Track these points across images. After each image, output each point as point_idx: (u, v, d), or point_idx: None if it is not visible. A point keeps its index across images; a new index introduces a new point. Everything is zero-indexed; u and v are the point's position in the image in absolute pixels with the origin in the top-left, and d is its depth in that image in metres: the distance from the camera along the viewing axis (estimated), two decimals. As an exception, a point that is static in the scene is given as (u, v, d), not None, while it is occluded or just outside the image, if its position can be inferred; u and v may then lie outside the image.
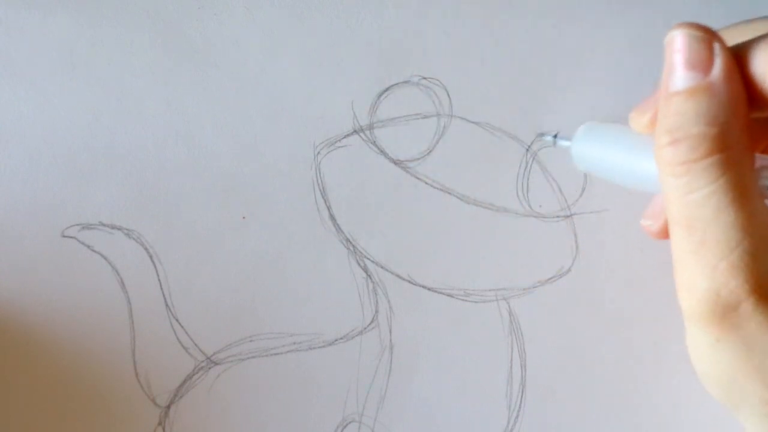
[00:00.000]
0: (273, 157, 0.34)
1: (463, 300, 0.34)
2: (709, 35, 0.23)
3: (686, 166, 0.22)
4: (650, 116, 0.27)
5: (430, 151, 0.34)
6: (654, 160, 0.25)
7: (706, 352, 0.24)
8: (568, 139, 0.32)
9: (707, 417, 0.34)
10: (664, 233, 0.29)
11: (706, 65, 0.23)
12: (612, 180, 0.30)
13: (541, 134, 0.34)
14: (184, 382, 0.33)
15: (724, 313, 0.23)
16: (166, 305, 0.33)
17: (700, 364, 0.25)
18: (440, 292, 0.34)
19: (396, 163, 0.34)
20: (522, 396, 0.34)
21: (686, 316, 0.24)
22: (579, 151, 0.31)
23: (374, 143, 0.34)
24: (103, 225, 0.33)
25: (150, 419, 0.33)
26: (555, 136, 0.34)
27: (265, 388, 0.33)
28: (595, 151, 0.30)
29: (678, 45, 0.23)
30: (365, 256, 0.34)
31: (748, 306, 0.22)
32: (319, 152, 0.34)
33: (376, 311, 0.34)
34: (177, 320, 0.33)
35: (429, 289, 0.34)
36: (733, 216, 0.22)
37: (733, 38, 0.26)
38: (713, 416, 0.34)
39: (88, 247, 0.33)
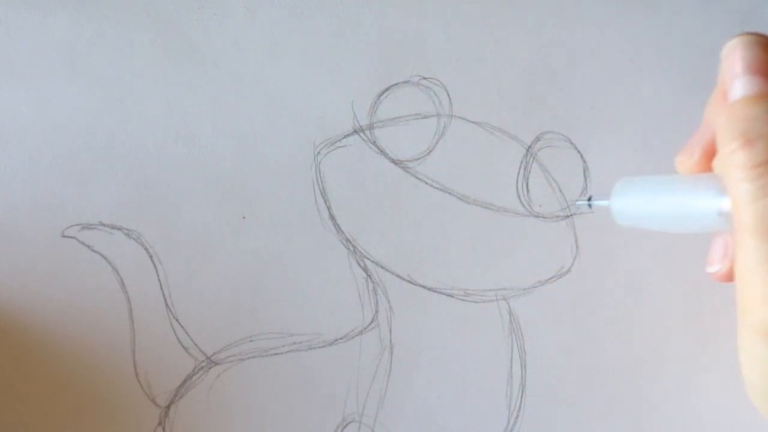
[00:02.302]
0: (273, 157, 0.34)
1: (463, 300, 0.34)
2: (766, 39, 0.23)
3: (763, 167, 0.22)
4: (699, 154, 0.27)
5: (430, 151, 0.34)
6: (697, 199, 0.25)
7: None
8: (605, 198, 0.32)
9: (707, 416, 0.34)
10: (732, 275, 0.27)
11: None
12: (659, 229, 0.30)
13: (574, 202, 0.34)
14: (184, 382, 0.33)
15: None
16: (166, 305, 0.33)
17: (760, 379, 0.24)
18: (440, 292, 0.34)
19: (396, 163, 0.34)
20: (522, 396, 0.34)
21: (754, 330, 0.23)
22: (619, 209, 0.31)
23: (374, 143, 0.34)
24: (103, 225, 0.33)
25: (150, 419, 0.33)
26: (589, 200, 0.34)
27: (265, 388, 0.33)
28: (636, 205, 0.30)
29: (739, 53, 0.23)
30: (365, 256, 0.34)
31: None
32: (319, 152, 0.34)
33: (376, 311, 0.34)
34: (177, 320, 0.33)
35: (429, 289, 0.34)
36: None
37: None
38: (713, 416, 0.34)
39: (88, 247, 0.33)
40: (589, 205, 0.34)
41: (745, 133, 0.22)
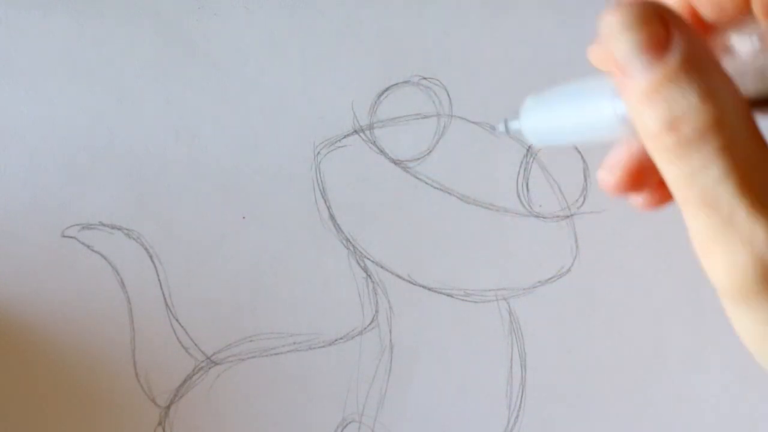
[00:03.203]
0: (273, 157, 0.34)
1: (463, 300, 0.34)
2: (659, 11, 0.21)
3: (691, 149, 0.21)
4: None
5: (430, 151, 0.34)
6: (603, 102, 0.25)
7: (764, 331, 0.23)
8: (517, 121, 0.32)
9: (707, 416, 0.34)
10: (622, 187, 0.27)
11: (665, 43, 0.21)
12: (570, 142, 0.30)
13: (493, 127, 0.34)
14: (184, 382, 0.33)
15: None
16: (166, 305, 0.33)
17: (760, 346, 0.24)
18: (440, 292, 0.34)
19: (396, 163, 0.34)
20: (522, 396, 0.34)
21: (730, 297, 0.22)
22: (530, 128, 0.31)
23: (374, 143, 0.34)
24: (103, 225, 0.33)
25: (150, 419, 0.33)
26: (506, 126, 0.33)
27: (265, 388, 0.33)
28: (543, 120, 0.30)
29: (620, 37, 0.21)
30: (365, 256, 0.34)
31: None
32: (319, 152, 0.34)
33: (376, 311, 0.34)
34: (177, 320, 0.33)
35: (429, 289, 0.34)
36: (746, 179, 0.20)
37: None
38: (713, 416, 0.34)
39: (88, 247, 0.33)
40: (506, 129, 0.33)
41: (666, 115, 0.21)
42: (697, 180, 0.21)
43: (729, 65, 0.22)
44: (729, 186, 0.21)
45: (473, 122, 0.35)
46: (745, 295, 0.21)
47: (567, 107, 0.29)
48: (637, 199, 0.28)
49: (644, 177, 0.27)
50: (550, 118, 0.30)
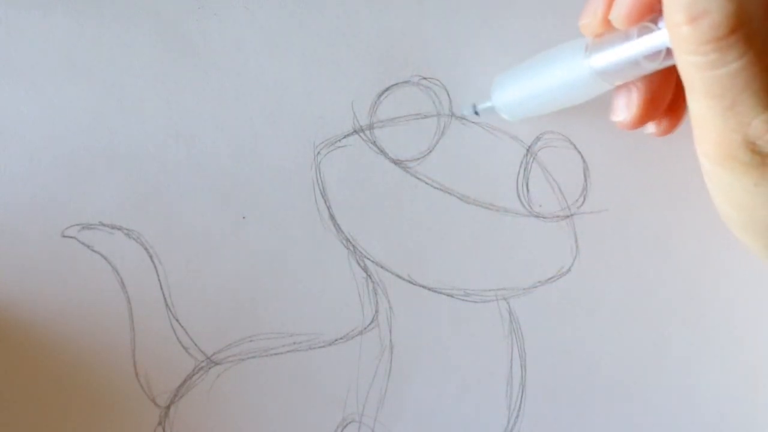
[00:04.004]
0: (273, 157, 0.34)
1: (463, 300, 0.34)
2: None
3: (711, 45, 0.22)
4: (603, 12, 0.28)
5: (430, 151, 0.34)
6: (577, 60, 0.27)
7: (742, 199, 0.26)
8: (487, 100, 0.33)
9: (707, 416, 0.34)
10: (637, 121, 0.30)
11: None
12: (549, 109, 0.31)
13: (461, 115, 0.34)
14: (184, 382, 0.33)
15: (763, 160, 0.24)
16: (166, 305, 0.33)
17: (735, 211, 0.27)
18: (440, 292, 0.34)
19: (396, 163, 0.34)
20: (522, 396, 0.34)
21: (717, 164, 0.25)
22: (503, 103, 0.32)
23: (374, 143, 0.34)
24: (103, 225, 0.33)
25: (150, 419, 0.33)
26: (474, 107, 0.34)
27: (265, 388, 0.33)
28: (516, 93, 0.31)
29: None
30: (365, 256, 0.34)
31: None
32: (319, 152, 0.34)
33: (376, 311, 0.34)
34: (177, 320, 0.33)
35: (429, 289, 0.34)
36: (764, 83, 0.23)
37: None
38: (713, 416, 0.34)
39: (88, 247, 0.33)
40: (476, 112, 0.34)
41: (689, 7, 0.22)
42: (710, 70, 0.23)
43: None
44: (740, 81, 0.23)
45: (473, 122, 0.35)
46: (731, 163, 0.25)
47: (539, 75, 0.30)
48: (650, 128, 0.31)
49: (654, 108, 0.29)
50: (523, 89, 0.31)
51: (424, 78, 0.35)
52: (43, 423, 0.32)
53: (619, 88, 0.29)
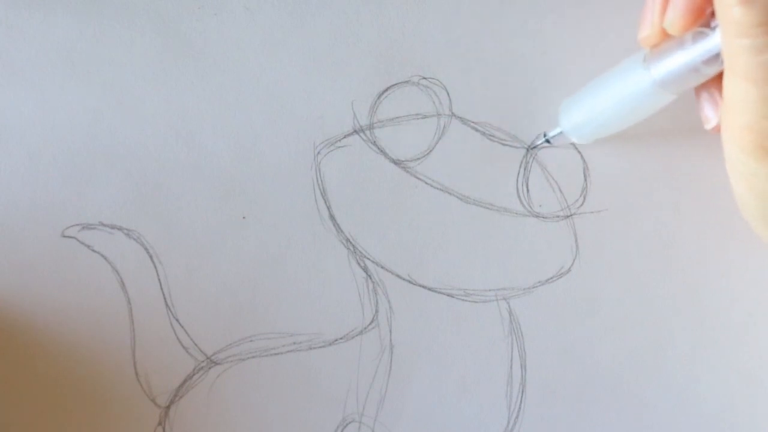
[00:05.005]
0: (273, 157, 0.34)
1: (463, 300, 0.34)
2: None
3: (762, 27, 0.22)
4: (659, 23, 0.28)
5: (430, 151, 0.34)
6: (638, 72, 0.28)
7: (766, 188, 0.26)
8: (556, 125, 0.33)
9: (708, 416, 0.34)
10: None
11: None
12: (619, 128, 0.32)
13: (533, 147, 0.35)
14: (184, 382, 0.33)
15: None
16: (166, 305, 0.33)
17: (756, 200, 0.27)
18: (440, 292, 0.34)
19: (396, 163, 0.34)
20: (522, 396, 0.34)
21: (745, 151, 0.26)
22: (571, 127, 0.32)
23: (374, 143, 0.34)
24: (103, 225, 0.33)
25: (150, 419, 0.33)
26: (545, 135, 0.34)
27: (265, 388, 0.33)
28: (584, 116, 0.31)
29: None
30: (365, 256, 0.34)
31: None
32: (319, 152, 0.34)
33: (376, 311, 0.34)
34: (177, 320, 0.33)
35: (429, 289, 0.34)
36: None
37: None
38: (714, 416, 0.34)
39: (88, 247, 0.33)
40: (548, 141, 0.34)
41: None
42: (757, 55, 0.23)
43: None
44: None
45: (473, 122, 0.35)
46: (760, 151, 0.25)
47: (603, 93, 0.31)
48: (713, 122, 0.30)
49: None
50: (589, 110, 0.31)
51: (424, 78, 0.35)
52: (43, 423, 0.32)
53: (700, 96, 0.30)
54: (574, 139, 0.33)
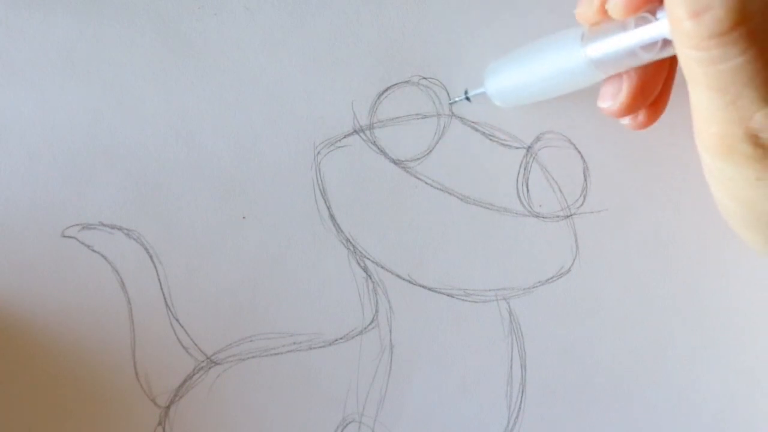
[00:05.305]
0: (273, 157, 0.34)
1: (463, 300, 0.34)
2: None
3: (714, 40, 0.22)
4: (599, 1, 0.28)
5: (430, 151, 0.34)
6: (574, 49, 0.28)
7: (743, 192, 0.26)
8: (480, 86, 0.33)
9: (707, 417, 0.34)
10: (624, 111, 0.29)
11: None
12: (541, 97, 0.31)
13: (453, 101, 0.34)
14: (184, 382, 0.33)
15: (765, 153, 0.24)
16: (166, 305, 0.33)
17: (736, 205, 0.27)
18: (440, 292, 0.34)
19: (396, 163, 0.34)
20: (522, 396, 0.34)
21: (718, 157, 0.26)
22: (495, 90, 0.32)
23: (374, 143, 0.34)
24: (103, 225, 0.33)
25: (150, 419, 0.33)
26: (465, 93, 0.34)
27: (265, 388, 0.33)
28: (509, 80, 0.31)
29: None
30: (365, 256, 0.34)
31: None
32: (319, 152, 0.34)
33: (376, 311, 0.34)
34: (177, 320, 0.33)
35: (429, 289, 0.34)
36: (767, 77, 0.23)
37: None
38: (714, 416, 0.34)
39: (88, 247, 0.33)
40: (468, 98, 0.34)
41: (692, 2, 0.22)
42: (713, 65, 0.23)
43: None
44: (743, 76, 0.23)
45: (473, 122, 0.35)
46: (733, 156, 0.25)
47: (534, 62, 0.31)
48: (628, 121, 0.31)
49: (643, 99, 0.29)
50: (517, 76, 0.31)
51: (424, 78, 0.35)
52: (44, 423, 0.32)
53: (609, 80, 0.30)
54: (497, 102, 0.33)
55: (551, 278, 0.34)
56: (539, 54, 0.30)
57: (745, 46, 0.22)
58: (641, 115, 0.31)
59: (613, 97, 0.29)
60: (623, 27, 0.27)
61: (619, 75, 0.29)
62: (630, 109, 0.29)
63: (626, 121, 0.31)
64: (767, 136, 0.24)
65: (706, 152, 0.26)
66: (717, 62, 0.23)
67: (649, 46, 0.27)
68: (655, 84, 0.30)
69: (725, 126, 0.24)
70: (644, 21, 0.26)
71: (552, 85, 0.30)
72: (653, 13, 0.26)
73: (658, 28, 0.26)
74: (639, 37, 0.27)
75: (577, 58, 0.29)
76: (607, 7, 0.28)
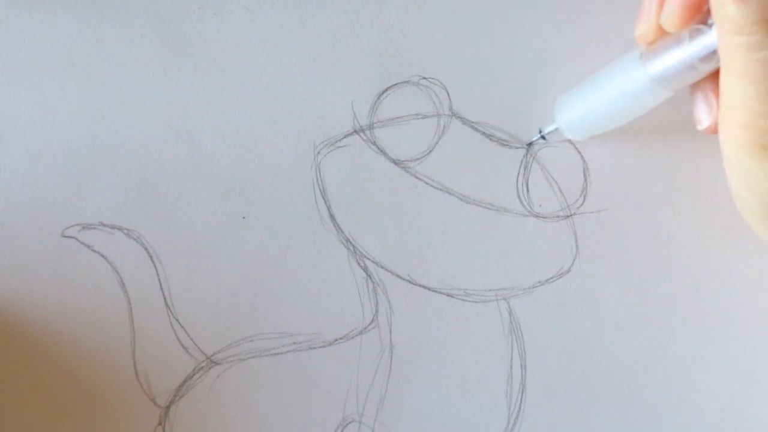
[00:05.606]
0: (273, 157, 0.34)
1: (463, 300, 0.34)
2: None
3: (757, 25, 0.22)
4: (656, 20, 0.28)
5: (430, 151, 0.34)
6: (634, 69, 0.28)
7: (762, 186, 0.26)
8: (552, 122, 0.33)
9: (707, 417, 0.34)
10: (716, 128, 0.29)
11: None
12: (615, 124, 0.31)
13: (530, 143, 0.35)
14: (184, 382, 0.33)
15: None
16: (166, 305, 0.33)
17: (753, 198, 0.27)
18: (440, 292, 0.34)
19: (396, 163, 0.34)
20: (522, 396, 0.34)
21: (741, 148, 0.26)
22: (567, 123, 0.32)
23: (374, 143, 0.34)
24: (103, 225, 0.33)
25: (150, 419, 0.33)
26: (540, 132, 0.34)
27: (265, 388, 0.33)
28: (579, 112, 0.31)
29: None
30: (365, 256, 0.34)
31: None
32: (319, 152, 0.34)
33: (376, 311, 0.34)
34: (177, 320, 0.33)
35: (429, 289, 0.34)
36: None
37: None
38: (714, 416, 0.34)
39: (88, 247, 0.33)
40: (543, 137, 0.34)
41: None
42: (753, 52, 0.23)
43: None
44: None
45: (473, 122, 0.35)
46: (757, 148, 0.25)
47: (599, 90, 0.31)
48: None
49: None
50: (585, 107, 0.31)
51: (424, 78, 0.35)
52: (44, 423, 0.32)
53: (695, 96, 0.30)
54: (570, 136, 0.33)
55: (551, 278, 0.34)
56: (602, 81, 0.31)
57: None
58: None
59: (709, 117, 0.29)
60: (678, 41, 0.27)
61: (704, 93, 0.29)
62: None
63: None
64: None
65: (730, 142, 0.26)
66: (758, 49, 0.23)
67: (706, 57, 0.27)
68: None
69: (753, 118, 0.24)
70: (698, 33, 0.27)
71: (620, 110, 0.30)
72: (705, 22, 0.26)
73: (711, 37, 0.26)
74: (694, 50, 0.27)
75: (638, 78, 0.29)
76: (660, 21, 0.28)
